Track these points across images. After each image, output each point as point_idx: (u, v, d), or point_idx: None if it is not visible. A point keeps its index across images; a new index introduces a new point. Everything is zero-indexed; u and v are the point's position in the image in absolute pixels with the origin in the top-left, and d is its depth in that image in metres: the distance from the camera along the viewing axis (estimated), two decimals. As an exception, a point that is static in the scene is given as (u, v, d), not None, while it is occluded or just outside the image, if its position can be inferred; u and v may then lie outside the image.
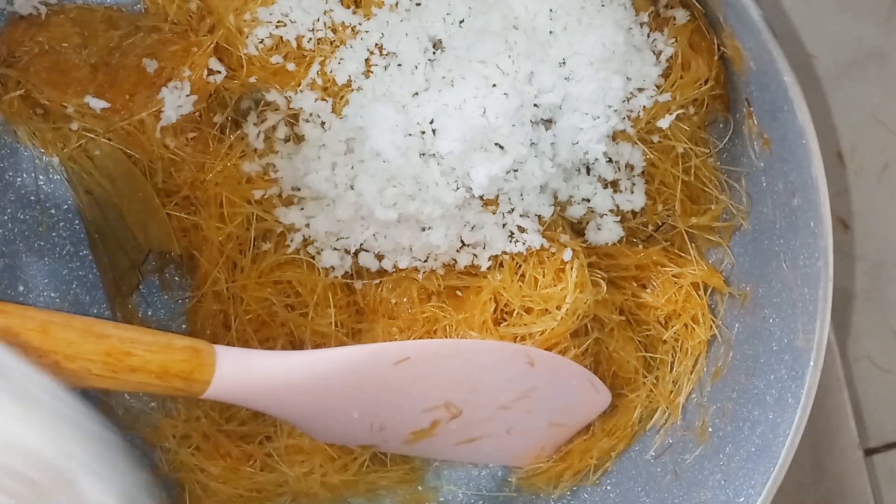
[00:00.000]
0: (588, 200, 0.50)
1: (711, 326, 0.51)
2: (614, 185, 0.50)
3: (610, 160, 0.49)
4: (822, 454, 0.57)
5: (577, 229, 0.51)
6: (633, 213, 0.51)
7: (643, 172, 0.50)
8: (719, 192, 0.50)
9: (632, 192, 0.50)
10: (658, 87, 0.48)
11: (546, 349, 0.49)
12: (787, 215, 0.46)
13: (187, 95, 0.49)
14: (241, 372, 0.43)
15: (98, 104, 0.49)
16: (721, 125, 0.51)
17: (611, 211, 0.50)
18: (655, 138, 0.49)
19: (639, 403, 0.52)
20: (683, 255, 0.51)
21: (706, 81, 0.48)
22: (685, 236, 0.51)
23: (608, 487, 0.53)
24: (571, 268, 0.49)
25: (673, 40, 0.48)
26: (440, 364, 0.47)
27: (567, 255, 0.48)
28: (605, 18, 0.47)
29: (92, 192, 0.51)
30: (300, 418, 0.47)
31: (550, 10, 0.47)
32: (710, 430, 0.49)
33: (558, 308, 0.49)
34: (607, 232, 0.50)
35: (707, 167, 0.50)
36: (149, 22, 0.50)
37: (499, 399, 0.49)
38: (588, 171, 0.50)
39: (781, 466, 0.43)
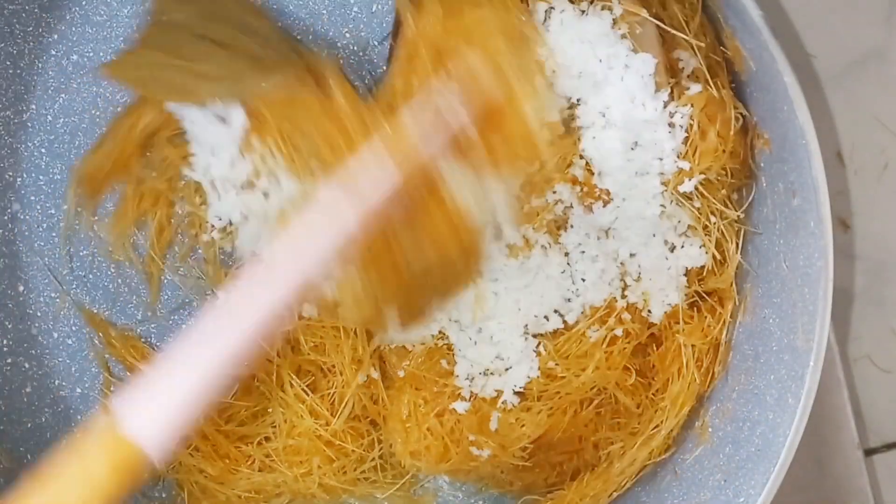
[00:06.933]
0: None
1: (697, 381, 0.50)
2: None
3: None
4: (822, 454, 0.57)
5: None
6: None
7: (686, 231, 0.50)
8: (736, 250, 0.50)
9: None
10: (679, 154, 0.48)
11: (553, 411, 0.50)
12: (787, 215, 0.45)
13: None
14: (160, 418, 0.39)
15: None
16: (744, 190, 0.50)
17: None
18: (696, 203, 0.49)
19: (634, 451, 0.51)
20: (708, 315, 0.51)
21: (724, 151, 0.47)
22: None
23: (608, 487, 0.53)
24: (603, 343, 0.49)
25: (688, 107, 0.47)
26: None
27: (618, 332, 0.49)
28: (617, 91, 0.47)
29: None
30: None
31: (580, 73, 0.47)
32: (709, 430, 0.49)
33: (577, 375, 0.49)
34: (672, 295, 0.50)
35: (729, 230, 0.50)
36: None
37: None
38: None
39: (781, 466, 0.43)
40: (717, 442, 0.48)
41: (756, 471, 0.44)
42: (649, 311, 0.50)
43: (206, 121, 0.48)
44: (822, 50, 0.57)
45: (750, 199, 0.49)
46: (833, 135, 0.58)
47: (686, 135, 0.47)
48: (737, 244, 0.49)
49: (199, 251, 0.53)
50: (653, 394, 0.51)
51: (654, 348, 0.51)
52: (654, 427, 0.50)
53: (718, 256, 0.49)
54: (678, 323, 0.50)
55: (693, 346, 0.50)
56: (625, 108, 0.47)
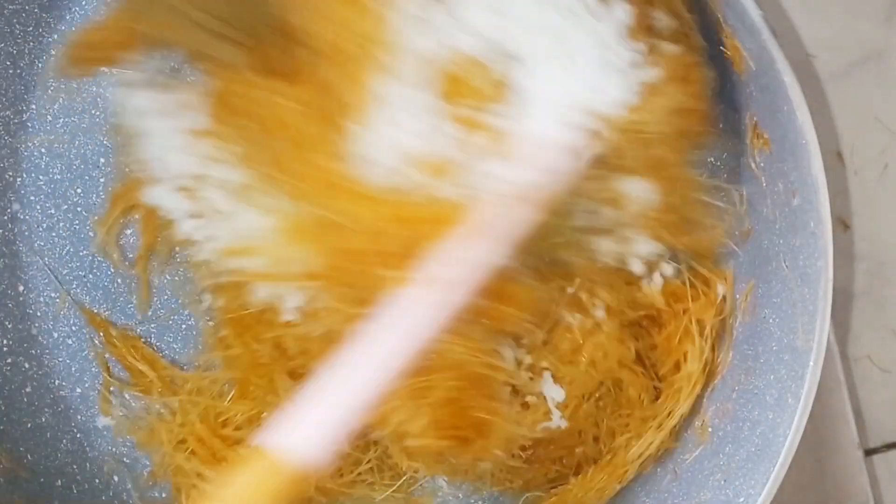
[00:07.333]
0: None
1: (705, 361, 0.50)
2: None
3: None
4: (822, 454, 0.57)
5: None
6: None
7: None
8: (716, 216, 0.49)
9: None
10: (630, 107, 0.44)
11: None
12: (787, 215, 0.45)
13: None
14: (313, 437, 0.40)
15: None
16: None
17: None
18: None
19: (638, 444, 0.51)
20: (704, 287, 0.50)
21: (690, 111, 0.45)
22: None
23: (608, 487, 0.53)
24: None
25: (659, 67, 0.45)
26: None
27: (599, 313, 0.48)
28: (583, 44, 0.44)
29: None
30: None
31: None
32: (709, 429, 0.49)
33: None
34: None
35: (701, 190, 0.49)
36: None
37: None
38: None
39: (781, 466, 0.43)
40: (717, 442, 0.48)
41: (756, 471, 0.44)
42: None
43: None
44: (822, 50, 0.57)
45: (749, 199, 0.49)
46: (833, 135, 0.58)
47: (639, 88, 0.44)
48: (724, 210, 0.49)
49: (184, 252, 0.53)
50: (660, 379, 0.51)
51: (658, 331, 0.51)
52: (668, 412, 0.50)
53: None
54: (678, 302, 0.50)
55: (699, 322, 0.49)
56: (592, 62, 0.44)
